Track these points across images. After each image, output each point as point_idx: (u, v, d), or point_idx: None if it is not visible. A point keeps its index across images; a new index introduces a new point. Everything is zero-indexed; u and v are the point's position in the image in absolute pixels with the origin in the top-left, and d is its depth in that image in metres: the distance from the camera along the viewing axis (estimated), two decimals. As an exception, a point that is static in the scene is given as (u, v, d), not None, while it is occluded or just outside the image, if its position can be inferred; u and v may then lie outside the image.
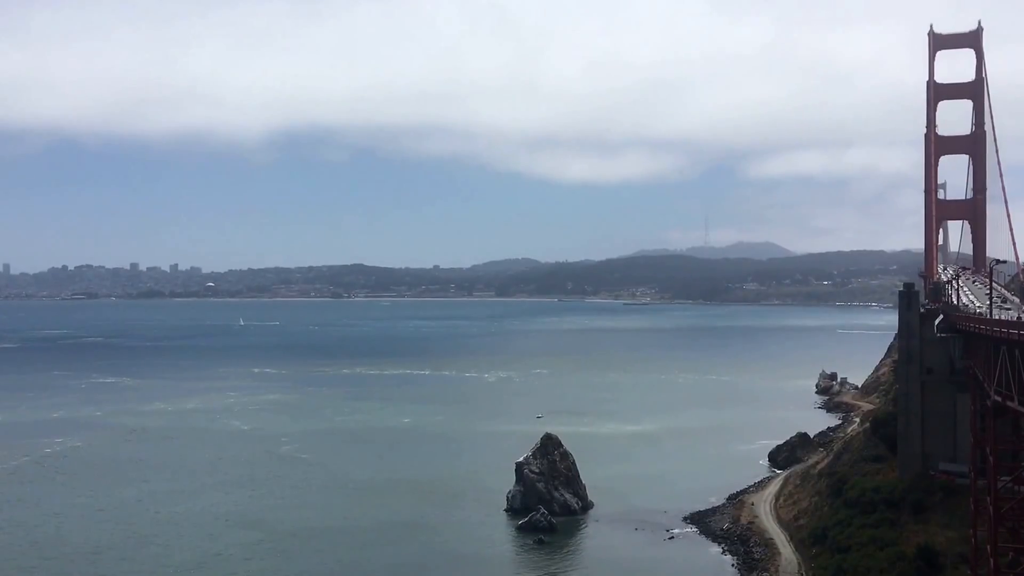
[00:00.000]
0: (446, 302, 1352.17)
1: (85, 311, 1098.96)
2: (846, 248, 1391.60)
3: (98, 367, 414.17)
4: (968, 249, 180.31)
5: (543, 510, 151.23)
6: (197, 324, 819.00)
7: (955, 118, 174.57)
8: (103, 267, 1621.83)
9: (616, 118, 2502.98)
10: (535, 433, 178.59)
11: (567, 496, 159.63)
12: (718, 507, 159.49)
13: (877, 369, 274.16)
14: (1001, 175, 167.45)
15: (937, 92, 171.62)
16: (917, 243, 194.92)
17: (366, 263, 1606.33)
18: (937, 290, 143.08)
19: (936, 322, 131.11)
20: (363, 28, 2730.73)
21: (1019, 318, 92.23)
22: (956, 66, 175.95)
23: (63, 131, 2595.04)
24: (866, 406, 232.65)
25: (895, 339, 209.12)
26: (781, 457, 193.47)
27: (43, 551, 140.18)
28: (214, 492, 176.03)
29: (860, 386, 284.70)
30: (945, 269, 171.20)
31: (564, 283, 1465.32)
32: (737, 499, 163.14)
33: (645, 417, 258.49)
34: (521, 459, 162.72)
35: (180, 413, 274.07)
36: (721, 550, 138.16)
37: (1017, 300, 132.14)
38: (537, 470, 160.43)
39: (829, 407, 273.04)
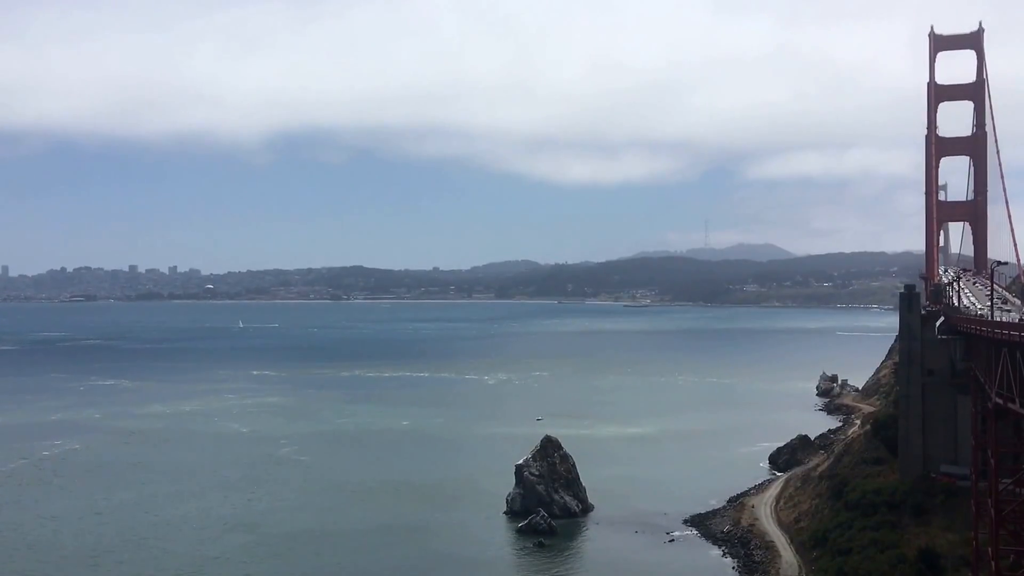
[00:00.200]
0: (446, 304, 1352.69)
1: (84, 313, 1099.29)
2: (847, 250, 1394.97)
3: (96, 369, 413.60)
4: (969, 251, 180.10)
5: (543, 512, 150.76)
6: (196, 326, 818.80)
7: (956, 119, 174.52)
8: (102, 269, 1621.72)
9: (616, 119, 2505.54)
10: (535, 435, 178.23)
11: (567, 498, 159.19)
12: (718, 510, 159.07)
13: (878, 371, 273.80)
14: (1002, 176, 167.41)
15: (938, 93, 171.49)
16: (918, 245, 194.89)
17: (365, 265, 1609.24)
18: (938, 292, 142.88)
19: (937, 324, 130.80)
20: (361, 29, 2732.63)
21: (1020, 320, 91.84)
22: (957, 67, 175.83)
23: (62, 133, 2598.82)
24: (867, 408, 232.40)
25: (896, 341, 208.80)
26: (782, 459, 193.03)
27: (41, 554, 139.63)
28: (213, 494, 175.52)
29: (861, 388, 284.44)
30: (946, 271, 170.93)
31: (564, 285, 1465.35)
32: (737, 502, 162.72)
33: (645, 419, 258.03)
34: (521, 461, 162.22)
35: (179, 415, 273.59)
36: (721, 553, 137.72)
37: (1018, 302, 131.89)
38: (537, 472, 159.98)
39: (830, 409, 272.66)
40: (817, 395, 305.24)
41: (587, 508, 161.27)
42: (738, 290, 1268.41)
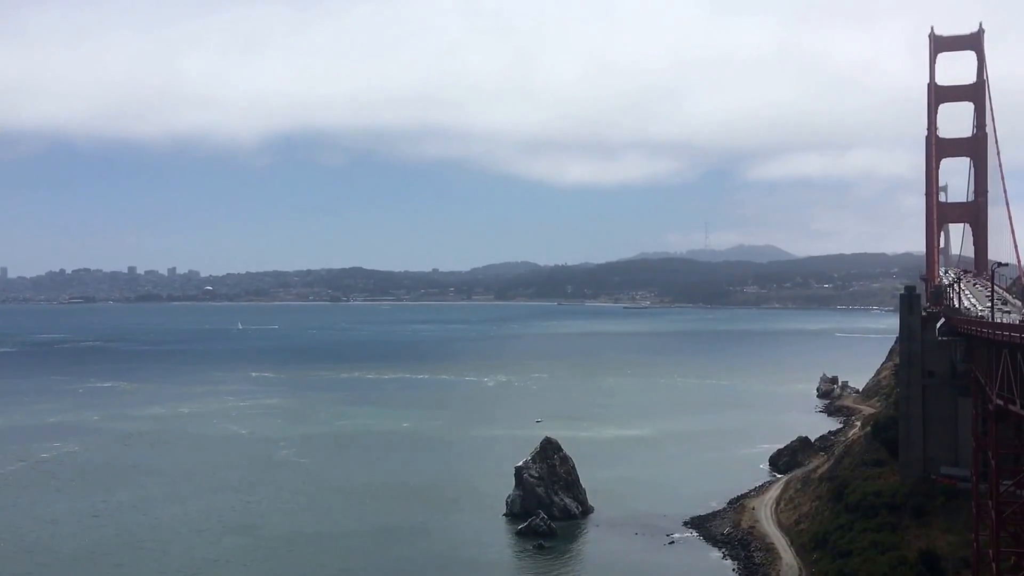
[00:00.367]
0: (445, 306, 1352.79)
1: (83, 315, 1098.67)
2: (847, 251, 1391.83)
3: (95, 371, 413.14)
4: (970, 252, 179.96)
5: (543, 515, 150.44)
6: (195, 328, 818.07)
7: (956, 120, 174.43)
8: (101, 271, 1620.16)
9: (615, 121, 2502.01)
10: (534, 437, 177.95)
11: (567, 500, 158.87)
12: (718, 511, 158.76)
13: (878, 373, 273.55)
14: (1003, 177, 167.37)
15: (938, 94, 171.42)
16: (918, 246, 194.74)
17: (365, 266, 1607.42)
18: (938, 293, 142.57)
19: (938, 326, 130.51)
20: (360, 31, 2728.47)
21: (1021, 321, 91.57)
22: (957, 68, 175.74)
23: (60, 134, 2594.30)
24: (867, 410, 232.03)
25: (896, 343, 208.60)
26: (782, 461, 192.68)
27: (39, 556, 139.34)
28: (211, 496, 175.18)
29: (861, 390, 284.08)
30: (946, 272, 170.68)
31: (564, 286, 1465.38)
32: (738, 503, 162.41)
33: (645, 421, 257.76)
34: (520, 463, 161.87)
35: (178, 417, 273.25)
36: (722, 555, 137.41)
37: (1018, 303, 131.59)
38: (536, 474, 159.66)
39: (830, 411, 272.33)
40: (817, 397, 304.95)
41: (587, 510, 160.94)
42: (738, 291, 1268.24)
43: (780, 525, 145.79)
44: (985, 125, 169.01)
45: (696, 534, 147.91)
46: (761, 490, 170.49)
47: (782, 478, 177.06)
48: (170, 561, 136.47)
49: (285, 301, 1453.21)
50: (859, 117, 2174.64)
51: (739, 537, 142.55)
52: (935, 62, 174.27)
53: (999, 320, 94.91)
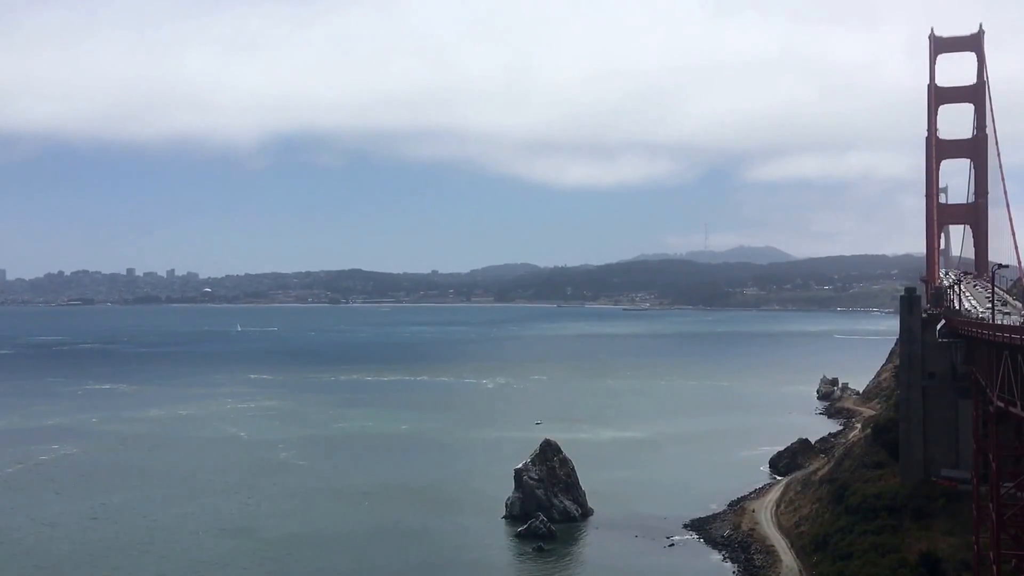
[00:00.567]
0: (445, 307, 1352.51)
1: (81, 317, 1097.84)
2: (847, 252, 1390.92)
3: (93, 373, 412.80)
4: (970, 253, 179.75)
5: (542, 517, 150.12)
6: (194, 330, 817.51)
7: (956, 121, 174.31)
8: (99, 272, 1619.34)
9: (613, 122, 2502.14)
10: (534, 439, 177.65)
11: (566, 503, 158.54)
12: (719, 514, 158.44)
13: (878, 374, 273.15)
14: (1003, 179, 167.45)
15: (938, 95, 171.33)
16: (919, 247, 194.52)
17: (364, 268, 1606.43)
18: (939, 295, 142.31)
19: (938, 327, 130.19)
20: (357, 32, 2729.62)
21: (1021, 323, 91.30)
22: (957, 69, 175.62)
23: (57, 136, 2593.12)
24: (867, 412, 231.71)
25: (896, 344, 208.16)
26: (782, 463, 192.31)
27: (36, 559, 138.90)
28: (210, 499, 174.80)
29: (861, 392, 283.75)
30: (947, 274, 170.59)
31: (563, 288, 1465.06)
32: (738, 506, 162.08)
33: (645, 423, 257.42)
34: (520, 465, 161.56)
35: (176, 419, 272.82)
36: (722, 557, 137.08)
37: (1019, 304, 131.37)
38: (536, 476, 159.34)
39: (830, 413, 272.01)
40: (817, 399, 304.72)
41: (587, 512, 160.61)
42: (738, 293, 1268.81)
43: (780, 527, 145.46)
44: (985, 126, 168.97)
45: (696, 536, 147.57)
46: (761, 492, 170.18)
47: (782, 480, 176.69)
48: (169, 563, 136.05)
49: (284, 303, 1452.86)
50: (859, 118, 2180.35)
51: (739, 539, 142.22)
52: (935, 63, 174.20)
53: (999, 322, 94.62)
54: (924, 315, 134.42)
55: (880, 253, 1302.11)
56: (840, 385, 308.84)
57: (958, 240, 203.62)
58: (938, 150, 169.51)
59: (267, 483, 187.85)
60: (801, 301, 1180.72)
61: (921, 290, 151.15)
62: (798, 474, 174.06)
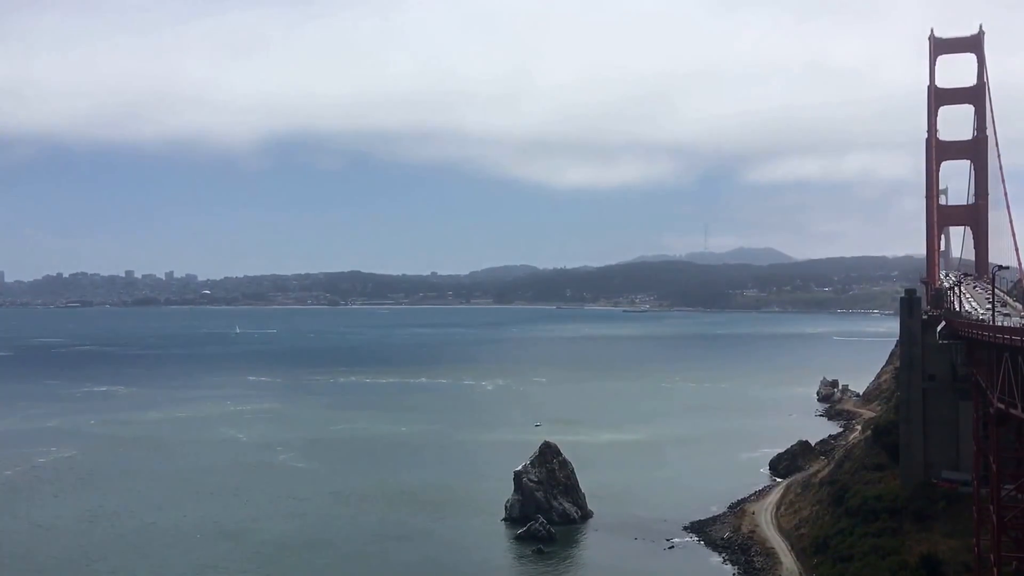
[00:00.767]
0: (444, 309, 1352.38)
1: (80, 319, 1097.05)
2: (847, 254, 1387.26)
3: (92, 375, 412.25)
4: (970, 255, 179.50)
5: (542, 519, 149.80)
6: (193, 332, 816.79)
7: (956, 123, 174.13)
8: (98, 274, 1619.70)
9: (612, 124, 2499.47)
10: (533, 441, 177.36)
11: (566, 505, 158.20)
12: (719, 516, 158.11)
13: (878, 376, 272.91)
14: (1003, 180, 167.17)
15: (938, 97, 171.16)
16: (919, 249, 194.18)
17: (363, 270, 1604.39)
18: (939, 296, 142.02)
19: (938, 329, 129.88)
20: (355, 33, 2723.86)
21: (1022, 324, 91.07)
22: (957, 70, 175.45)
23: (56, 137, 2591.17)
24: (867, 414, 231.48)
25: (896, 346, 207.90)
26: (782, 465, 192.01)
27: (34, 562, 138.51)
28: (208, 501, 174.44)
29: (861, 393, 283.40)
30: (947, 275, 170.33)
31: (563, 290, 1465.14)
32: (738, 508, 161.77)
33: (644, 425, 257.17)
34: (519, 468, 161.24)
35: (175, 422, 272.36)
36: (722, 559, 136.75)
37: (1019, 306, 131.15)
38: (536, 479, 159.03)
39: (830, 415, 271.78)
40: (818, 400, 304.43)
41: (586, 514, 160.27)
42: (738, 295, 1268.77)
43: (780, 529, 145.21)
44: (985, 127, 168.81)
45: (696, 538, 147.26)
46: (761, 494, 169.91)
47: (782, 482, 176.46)
48: (167, 566, 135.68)
49: (283, 305, 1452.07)
50: (858, 119, 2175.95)
51: (739, 542, 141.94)
52: (935, 64, 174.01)
53: (1000, 323, 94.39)
54: (924, 317, 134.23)
55: (880, 255, 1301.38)
56: (840, 387, 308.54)
57: (958, 242, 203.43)
58: (938, 151, 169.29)
59: (265, 485, 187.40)
60: (801, 303, 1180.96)
61: (921, 292, 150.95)
62: (798, 476, 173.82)
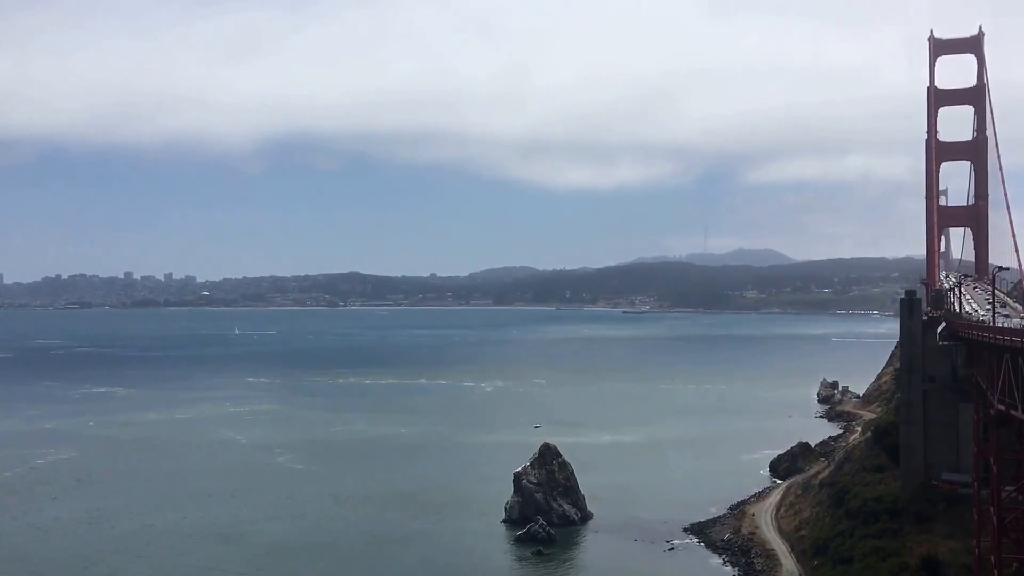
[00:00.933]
0: (444, 311, 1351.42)
1: (79, 320, 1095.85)
2: (847, 255, 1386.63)
3: (91, 377, 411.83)
4: (970, 256, 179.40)
5: (541, 521, 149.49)
6: (191, 333, 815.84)
7: (956, 123, 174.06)
8: (97, 276, 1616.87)
9: (611, 124, 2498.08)
10: (533, 443, 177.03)
11: (566, 506, 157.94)
12: (719, 517, 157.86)
13: (879, 378, 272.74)
14: (1003, 181, 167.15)
15: (938, 98, 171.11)
16: (919, 250, 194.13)
17: (362, 271, 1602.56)
18: (939, 297, 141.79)
19: (938, 330, 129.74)
20: (352, 35, 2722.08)
21: (1022, 325, 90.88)
22: (957, 71, 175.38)
23: (53, 139, 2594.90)
24: (868, 415, 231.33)
25: (896, 347, 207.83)
26: (782, 467, 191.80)
27: (32, 565, 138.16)
28: (207, 503, 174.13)
29: (861, 395, 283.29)
30: (947, 276, 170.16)
31: (562, 291, 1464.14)
32: (738, 509, 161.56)
33: (644, 426, 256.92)
34: (519, 469, 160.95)
35: (174, 423, 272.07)
36: (722, 561, 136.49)
37: (1019, 307, 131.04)
38: (535, 480, 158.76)
39: (830, 416, 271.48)
40: (818, 402, 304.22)
41: (586, 516, 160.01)
42: (737, 296, 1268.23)
43: (780, 531, 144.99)
44: (985, 128, 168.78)
45: (696, 540, 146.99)
46: (761, 496, 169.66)
47: (782, 484, 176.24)
48: (165, 568, 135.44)
49: (282, 306, 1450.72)
50: (858, 120, 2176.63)
51: (739, 543, 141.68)
52: (935, 65, 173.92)
53: (1000, 324, 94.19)
54: (924, 318, 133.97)
55: (880, 256, 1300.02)
56: (840, 388, 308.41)
57: (958, 243, 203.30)
58: (938, 152, 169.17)
59: (264, 487, 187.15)
60: (801, 304, 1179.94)
61: (921, 293, 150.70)
62: (798, 478, 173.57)
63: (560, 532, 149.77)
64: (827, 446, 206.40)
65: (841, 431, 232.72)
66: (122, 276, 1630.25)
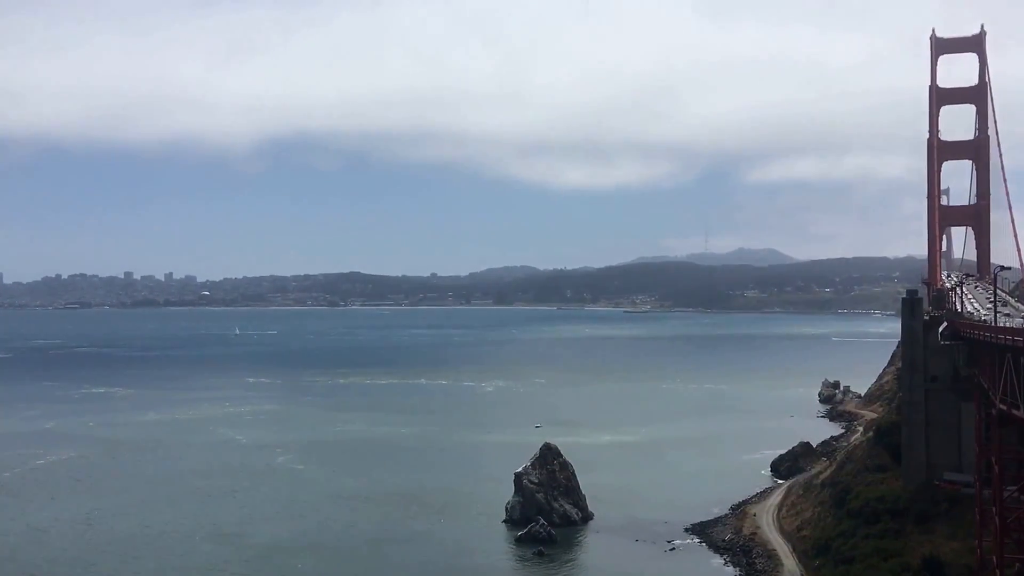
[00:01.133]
0: (444, 310, 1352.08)
1: (79, 320, 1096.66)
2: (848, 255, 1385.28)
3: (90, 377, 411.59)
4: (972, 255, 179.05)
5: (542, 521, 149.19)
6: (192, 333, 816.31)
7: (957, 123, 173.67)
8: (97, 276, 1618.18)
9: (610, 124, 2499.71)
10: (534, 443, 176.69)
11: (567, 506, 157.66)
12: (720, 518, 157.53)
13: (880, 377, 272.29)
14: (1005, 180, 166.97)
15: (939, 97, 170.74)
16: (920, 250, 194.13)
17: (362, 271, 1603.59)
18: (940, 297, 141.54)
19: (940, 330, 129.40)
20: (351, 34, 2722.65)
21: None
22: (959, 70, 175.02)
23: (53, 139, 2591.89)
24: (869, 415, 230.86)
25: (898, 347, 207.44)
26: (784, 467, 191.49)
27: (30, 566, 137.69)
28: (206, 503, 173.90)
29: (863, 395, 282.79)
30: (949, 276, 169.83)
31: (563, 291, 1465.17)
32: (739, 509, 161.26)
33: (645, 426, 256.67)
34: (520, 469, 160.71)
35: (174, 423, 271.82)
36: (723, 561, 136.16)
37: (1020, 306, 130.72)
38: (536, 480, 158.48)
39: (832, 416, 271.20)
40: (819, 402, 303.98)
41: (587, 516, 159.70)
42: (739, 296, 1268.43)
43: (782, 531, 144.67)
44: (987, 127, 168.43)
45: (697, 540, 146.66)
46: (763, 496, 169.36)
47: (784, 484, 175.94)
48: (165, 568, 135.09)
49: (282, 306, 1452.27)
50: (859, 119, 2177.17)
51: (741, 544, 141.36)
52: (936, 64, 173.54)
53: (1001, 324, 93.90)
54: (926, 318, 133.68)
55: (881, 255, 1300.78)
56: (842, 388, 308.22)
57: (960, 242, 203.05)
58: (939, 152, 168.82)
59: (264, 487, 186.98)
60: (802, 303, 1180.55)
61: (923, 292, 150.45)
62: (800, 478, 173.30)
63: (561, 532, 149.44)
64: (828, 446, 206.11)
65: (843, 431, 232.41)
66: (122, 276, 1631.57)
